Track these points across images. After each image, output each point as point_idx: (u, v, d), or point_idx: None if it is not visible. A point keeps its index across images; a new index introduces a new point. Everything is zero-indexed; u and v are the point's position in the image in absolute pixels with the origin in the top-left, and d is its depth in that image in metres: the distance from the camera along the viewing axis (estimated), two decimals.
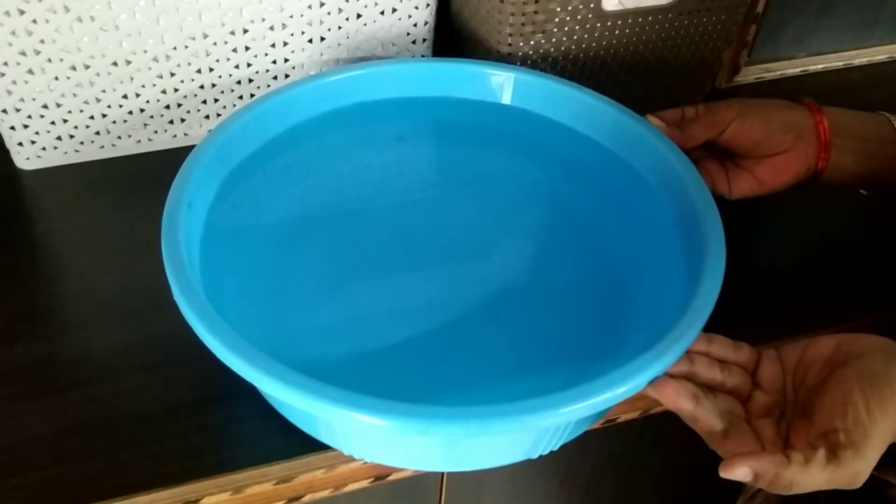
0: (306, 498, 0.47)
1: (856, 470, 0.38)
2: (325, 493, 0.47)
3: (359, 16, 0.61)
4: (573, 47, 0.61)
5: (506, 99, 0.59)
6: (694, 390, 0.41)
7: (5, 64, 0.54)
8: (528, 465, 0.45)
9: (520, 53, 0.60)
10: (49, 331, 0.49)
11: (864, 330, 0.54)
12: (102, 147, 0.60)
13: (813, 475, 0.37)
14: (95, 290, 0.52)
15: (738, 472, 0.37)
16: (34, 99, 0.56)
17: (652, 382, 0.40)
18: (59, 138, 0.59)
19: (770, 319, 0.54)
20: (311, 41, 0.61)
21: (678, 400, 0.40)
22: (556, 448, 0.43)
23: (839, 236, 0.61)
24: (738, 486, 0.65)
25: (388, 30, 0.62)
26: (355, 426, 0.39)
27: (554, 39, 0.60)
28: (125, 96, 0.58)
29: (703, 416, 0.40)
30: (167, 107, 0.60)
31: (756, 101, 0.54)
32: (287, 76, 0.62)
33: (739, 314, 0.50)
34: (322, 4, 0.59)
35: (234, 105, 0.62)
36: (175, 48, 0.57)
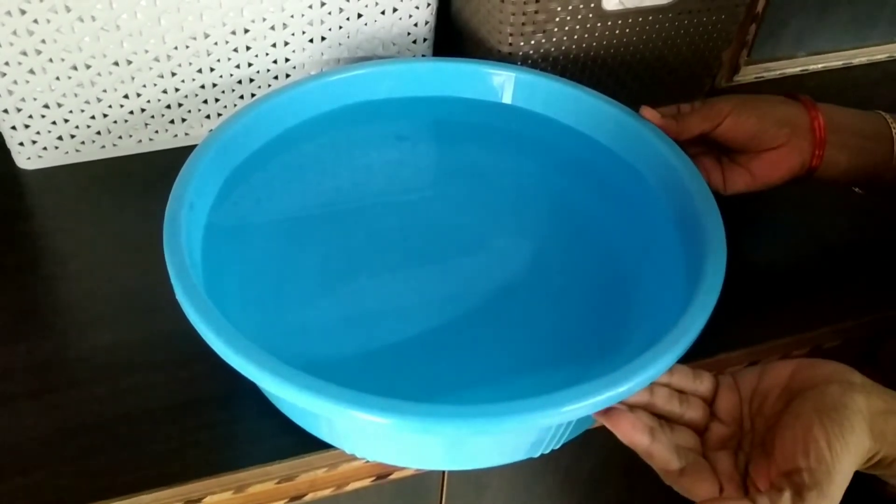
0: (308, 497, 0.47)
1: None
2: (327, 492, 0.47)
3: (359, 15, 0.61)
4: (573, 47, 0.61)
5: (506, 98, 0.59)
6: (651, 423, 0.40)
7: (6, 64, 0.54)
8: (528, 463, 0.45)
9: (520, 53, 0.61)
10: (50, 331, 0.49)
11: (865, 327, 0.55)
12: (103, 147, 0.61)
13: None
14: (97, 290, 0.52)
15: None
16: (35, 99, 0.56)
17: (606, 413, 0.39)
18: (60, 138, 0.59)
19: (768, 317, 0.54)
20: (311, 41, 0.61)
21: (633, 434, 0.39)
22: (557, 447, 0.44)
23: (837, 235, 0.61)
24: None
25: (388, 29, 0.62)
26: (357, 424, 0.39)
27: (554, 39, 0.60)
28: (126, 96, 0.58)
29: (659, 451, 0.39)
30: (168, 106, 0.60)
31: (752, 96, 0.54)
32: (288, 76, 0.62)
33: (737, 311, 0.50)
34: (323, 4, 0.59)
35: (235, 105, 0.62)
36: (176, 48, 0.57)
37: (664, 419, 0.41)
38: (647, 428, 0.39)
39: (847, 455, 0.37)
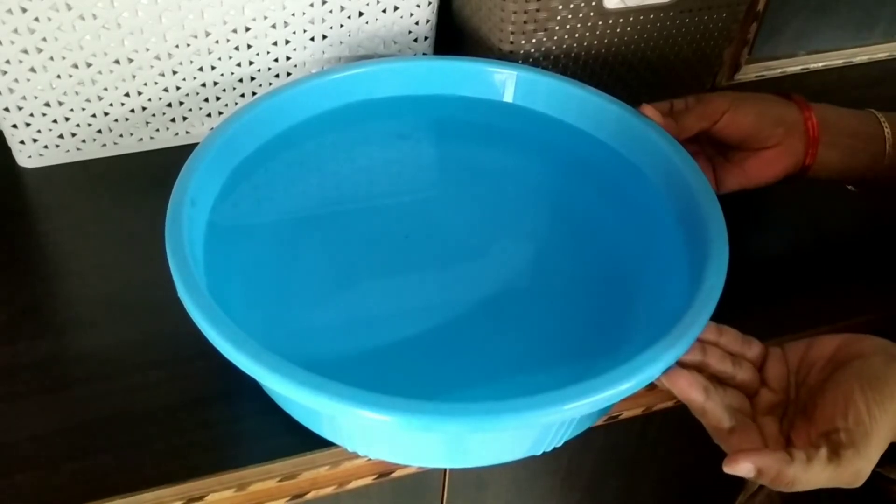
0: (310, 495, 0.47)
1: (857, 469, 0.38)
2: (329, 490, 0.47)
3: (360, 14, 0.61)
4: (575, 45, 0.61)
5: (508, 97, 0.59)
6: (704, 382, 0.41)
7: (7, 62, 0.54)
8: (530, 461, 0.45)
9: (521, 51, 0.60)
10: (51, 329, 0.49)
11: (865, 327, 0.55)
12: (104, 145, 0.60)
13: (815, 473, 0.37)
14: (98, 288, 0.52)
15: (742, 467, 0.38)
16: (36, 97, 0.56)
17: (664, 372, 0.40)
18: (60, 136, 0.59)
19: (770, 314, 0.54)
20: (312, 39, 0.61)
21: (690, 391, 0.40)
22: (559, 445, 0.44)
23: (840, 233, 0.61)
24: (738, 484, 0.65)
25: (389, 28, 0.62)
26: (359, 422, 0.39)
27: (556, 37, 0.60)
28: (127, 94, 0.58)
29: (712, 409, 0.40)
30: (169, 105, 0.60)
31: (747, 94, 0.54)
32: (289, 74, 0.62)
33: (739, 309, 0.50)
34: (324, 2, 0.59)
35: (236, 103, 0.62)
36: (177, 46, 0.57)
37: (716, 380, 0.42)
38: (702, 386, 0.40)
39: (885, 421, 0.38)
